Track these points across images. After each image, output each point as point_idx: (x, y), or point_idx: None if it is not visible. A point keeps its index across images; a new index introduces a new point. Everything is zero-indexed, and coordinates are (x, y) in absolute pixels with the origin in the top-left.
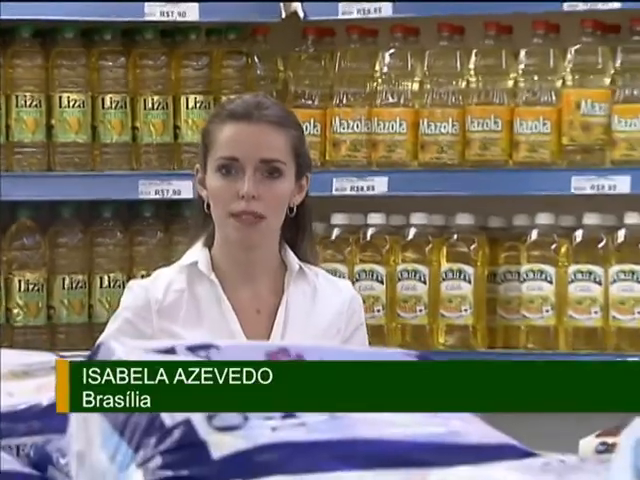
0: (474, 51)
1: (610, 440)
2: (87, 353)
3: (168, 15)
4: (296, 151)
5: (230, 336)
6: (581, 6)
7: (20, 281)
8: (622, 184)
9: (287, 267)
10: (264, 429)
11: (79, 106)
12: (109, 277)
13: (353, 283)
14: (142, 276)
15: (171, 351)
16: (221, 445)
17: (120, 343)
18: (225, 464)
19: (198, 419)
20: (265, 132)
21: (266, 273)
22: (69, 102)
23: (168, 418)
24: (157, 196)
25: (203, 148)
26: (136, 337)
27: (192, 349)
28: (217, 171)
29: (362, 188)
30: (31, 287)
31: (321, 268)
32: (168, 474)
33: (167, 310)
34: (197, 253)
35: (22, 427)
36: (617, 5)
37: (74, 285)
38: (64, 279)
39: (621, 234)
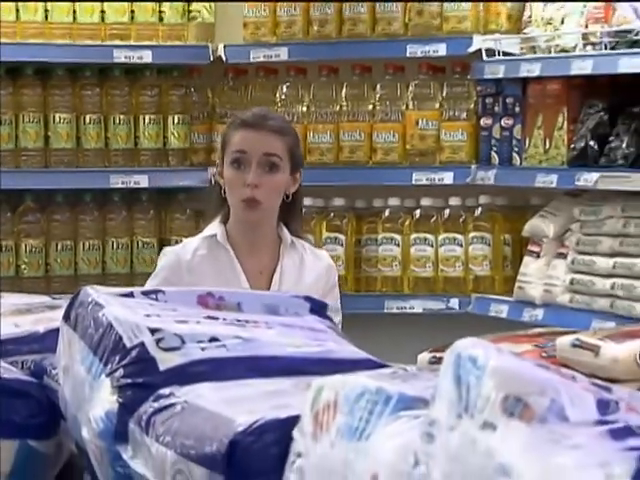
0: (345, 84)
1: (439, 355)
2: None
3: (130, 58)
4: (291, 152)
5: None
6: (419, 53)
7: (26, 245)
8: (447, 178)
9: (282, 240)
10: (196, 349)
11: (67, 122)
12: (89, 243)
13: None
14: (112, 243)
15: (130, 295)
16: (166, 360)
17: (94, 290)
18: (169, 374)
19: (149, 342)
20: (268, 137)
21: (267, 244)
22: (60, 119)
23: (128, 341)
24: (123, 186)
25: (221, 147)
26: None
27: (145, 293)
28: (231, 164)
29: None
30: (34, 250)
31: (306, 241)
32: (128, 381)
33: (194, 269)
34: (215, 227)
35: (25, 348)
36: (443, 53)
37: (64, 248)
38: (57, 244)
39: (446, 212)
